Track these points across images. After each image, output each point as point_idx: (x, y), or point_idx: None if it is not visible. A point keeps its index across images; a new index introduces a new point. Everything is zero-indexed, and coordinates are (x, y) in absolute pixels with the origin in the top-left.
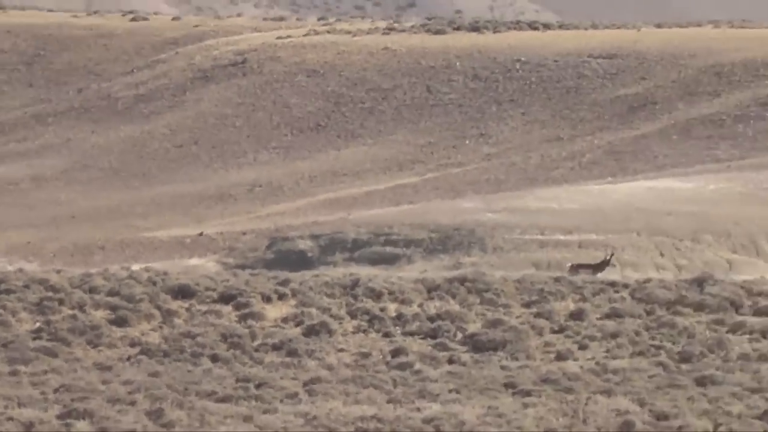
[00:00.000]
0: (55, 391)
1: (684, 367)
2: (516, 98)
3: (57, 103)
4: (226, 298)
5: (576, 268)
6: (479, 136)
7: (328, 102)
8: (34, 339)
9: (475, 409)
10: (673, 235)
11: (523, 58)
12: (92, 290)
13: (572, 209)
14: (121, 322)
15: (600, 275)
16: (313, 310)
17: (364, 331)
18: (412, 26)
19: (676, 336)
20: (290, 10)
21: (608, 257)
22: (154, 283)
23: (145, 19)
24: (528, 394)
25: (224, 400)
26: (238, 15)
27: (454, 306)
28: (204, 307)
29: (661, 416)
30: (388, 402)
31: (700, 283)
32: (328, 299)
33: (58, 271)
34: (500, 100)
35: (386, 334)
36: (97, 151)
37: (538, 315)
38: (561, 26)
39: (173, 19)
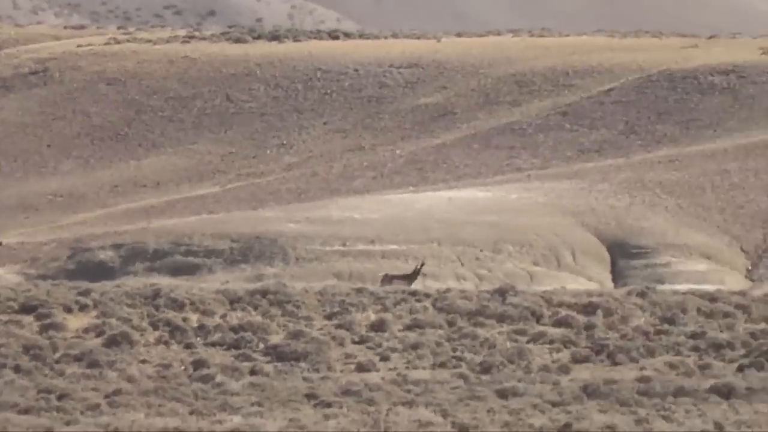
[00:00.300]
0: None
1: (485, 378)
2: (317, 107)
3: None
4: (27, 309)
5: (389, 278)
6: (280, 145)
7: (128, 110)
8: None
9: (277, 422)
10: (474, 245)
11: (323, 67)
12: None
13: (374, 219)
14: None
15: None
16: (114, 321)
17: (166, 342)
18: (213, 35)
19: (478, 347)
20: (90, 18)
21: (419, 267)
22: None
23: None
24: (329, 405)
25: (26, 411)
26: (39, 23)
27: (256, 317)
28: (5, 318)
29: (463, 428)
30: (191, 414)
31: (501, 293)
32: (129, 310)
33: None
34: (301, 109)
35: (188, 345)
36: None
37: (339, 326)
38: (361, 35)
39: None
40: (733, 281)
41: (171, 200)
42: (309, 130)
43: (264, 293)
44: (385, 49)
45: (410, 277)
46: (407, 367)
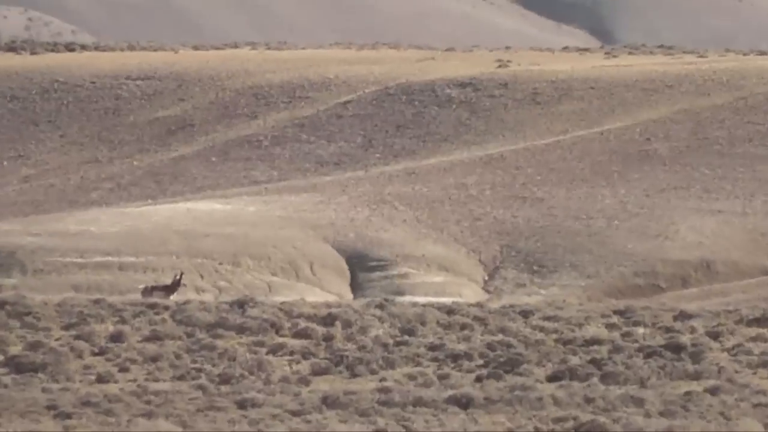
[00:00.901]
0: None
1: (224, 389)
2: (54, 119)
3: None
4: None
5: (150, 290)
6: (17, 157)
7: None
8: None
9: None
10: (212, 257)
11: (60, 79)
12: None
13: (111, 232)
14: None
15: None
16: None
17: None
18: None
19: (217, 358)
20: None
21: (178, 277)
22: None
23: None
24: (69, 416)
25: None
26: None
27: None
28: None
29: None
30: None
31: (240, 305)
32: None
33: None
34: (38, 121)
35: None
36: None
37: (78, 337)
38: (97, 47)
39: None
40: (471, 293)
41: None
42: (45, 142)
43: (2, 305)
44: (122, 61)
45: (170, 288)
46: (147, 379)
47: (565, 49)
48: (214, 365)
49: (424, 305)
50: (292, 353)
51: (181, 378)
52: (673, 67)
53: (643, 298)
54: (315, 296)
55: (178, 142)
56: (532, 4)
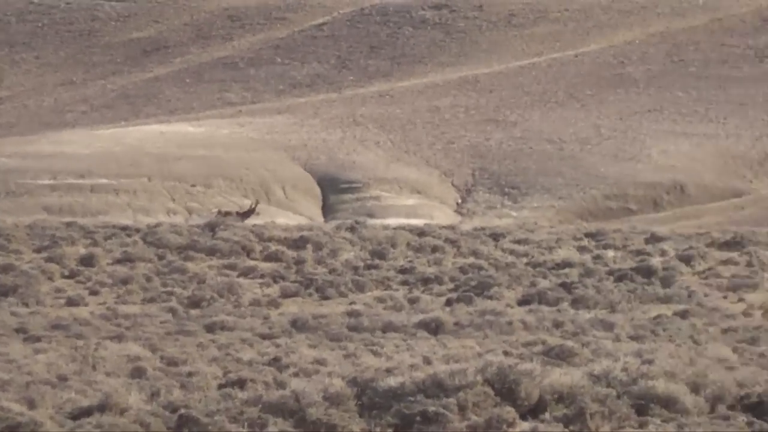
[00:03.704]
0: None
1: (194, 312)
2: (29, 41)
3: None
4: None
5: (224, 214)
6: None
7: None
8: None
9: None
10: (185, 179)
11: (35, 1)
12: None
13: (84, 154)
14: None
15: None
16: None
17: None
18: None
19: (187, 281)
20: None
21: (254, 206)
22: None
23: None
24: (38, 339)
25: None
26: None
27: None
28: None
29: (171, 362)
30: None
31: (211, 227)
32: None
33: None
34: (13, 42)
35: None
36: None
37: (49, 260)
38: None
39: None
40: (443, 215)
41: None
42: (20, 64)
43: None
44: None
45: (245, 215)
46: (117, 302)
47: None
48: (184, 288)
49: (395, 228)
50: (262, 276)
51: (151, 301)
52: None
53: (614, 220)
54: (287, 219)
55: (152, 63)
56: None
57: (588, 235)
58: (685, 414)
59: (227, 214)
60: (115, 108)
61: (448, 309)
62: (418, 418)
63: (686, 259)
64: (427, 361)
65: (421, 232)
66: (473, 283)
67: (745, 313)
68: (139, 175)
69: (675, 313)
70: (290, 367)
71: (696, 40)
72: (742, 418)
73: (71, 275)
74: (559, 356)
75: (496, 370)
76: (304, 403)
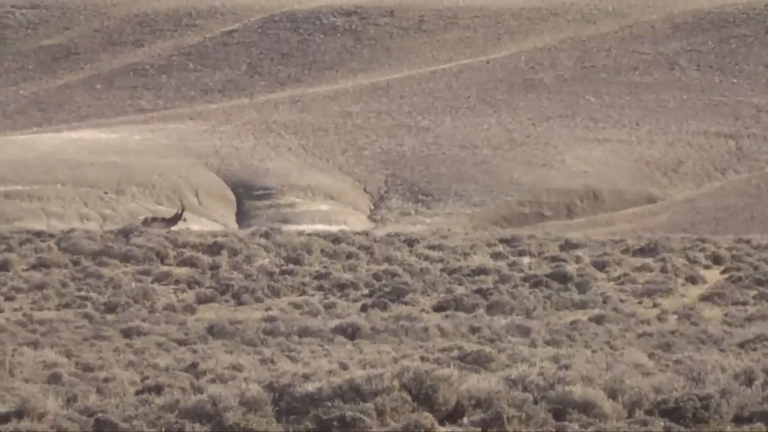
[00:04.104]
0: None
1: (110, 317)
2: None
3: None
4: None
5: (150, 221)
6: None
7: None
8: None
9: None
10: (97, 186)
11: None
12: None
13: None
14: None
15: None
16: None
17: None
18: None
19: (103, 287)
20: None
21: (180, 212)
22: None
23: None
24: None
25: None
26: None
27: None
28: None
29: (87, 367)
30: None
31: (125, 233)
32: None
33: None
34: None
35: None
36: None
37: None
38: None
39: None
40: (356, 222)
41: None
42: None
43: None
44: None
45: (171, 221)
46: (32, 307)
47: None
48: (99, 293)
49: (309, 234)
50: (177, 282)
51: (66, 306)
52: None
53: (528, 226)
54: (200, 225)
55: (63, 70)
56: None
57: (502, 241)
58: (603, 419)
59: (153, 220)
60: (27, 114)
61: (363, 314)
62: (335, 423)
63: (601, 266)
64: (344, 366)
65: (335, 239)
66: (388, 289)
67: (660, 318)
68: (53, 182)
69: (591, 319)
70: (207, 372)
71: (607, 47)
72: (659, 423)
73: None
74: (475, 361)
75: (413, 375)
76: (221, 407)
